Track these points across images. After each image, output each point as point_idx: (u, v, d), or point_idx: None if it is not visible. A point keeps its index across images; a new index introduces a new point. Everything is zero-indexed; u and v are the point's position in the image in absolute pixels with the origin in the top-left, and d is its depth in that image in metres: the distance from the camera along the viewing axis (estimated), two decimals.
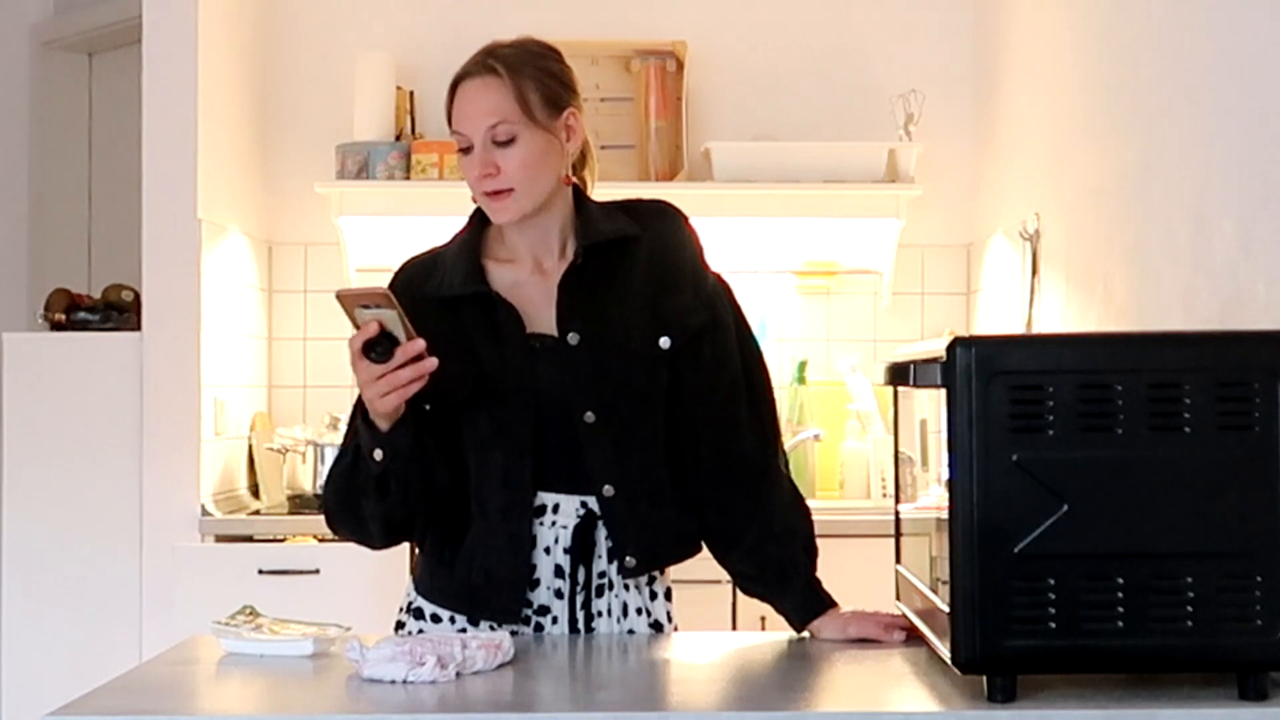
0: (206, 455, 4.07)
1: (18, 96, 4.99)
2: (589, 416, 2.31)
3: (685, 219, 2.45)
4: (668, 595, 2.44)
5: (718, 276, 2.45)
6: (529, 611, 2.34)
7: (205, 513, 4.01)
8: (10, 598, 4.06)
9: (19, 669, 4.04)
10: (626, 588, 2.37)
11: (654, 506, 2.36)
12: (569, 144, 2.36)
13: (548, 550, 2.34)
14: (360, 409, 2.26)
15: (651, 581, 2.41)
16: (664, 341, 2.35)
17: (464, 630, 2.35)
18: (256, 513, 4.23)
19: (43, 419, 4.08)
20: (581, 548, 2.34)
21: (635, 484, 2.34)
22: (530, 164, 2.30)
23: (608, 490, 2.32)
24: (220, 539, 4.01)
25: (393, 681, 1.96)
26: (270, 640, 2.15)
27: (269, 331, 4.64)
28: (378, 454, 2.23)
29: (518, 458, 2.31)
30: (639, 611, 2.38)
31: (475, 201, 2.38)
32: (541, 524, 2.33)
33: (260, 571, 3.89)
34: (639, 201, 2.46)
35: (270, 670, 2.08)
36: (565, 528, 2.33)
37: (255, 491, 4.40)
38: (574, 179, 2.40)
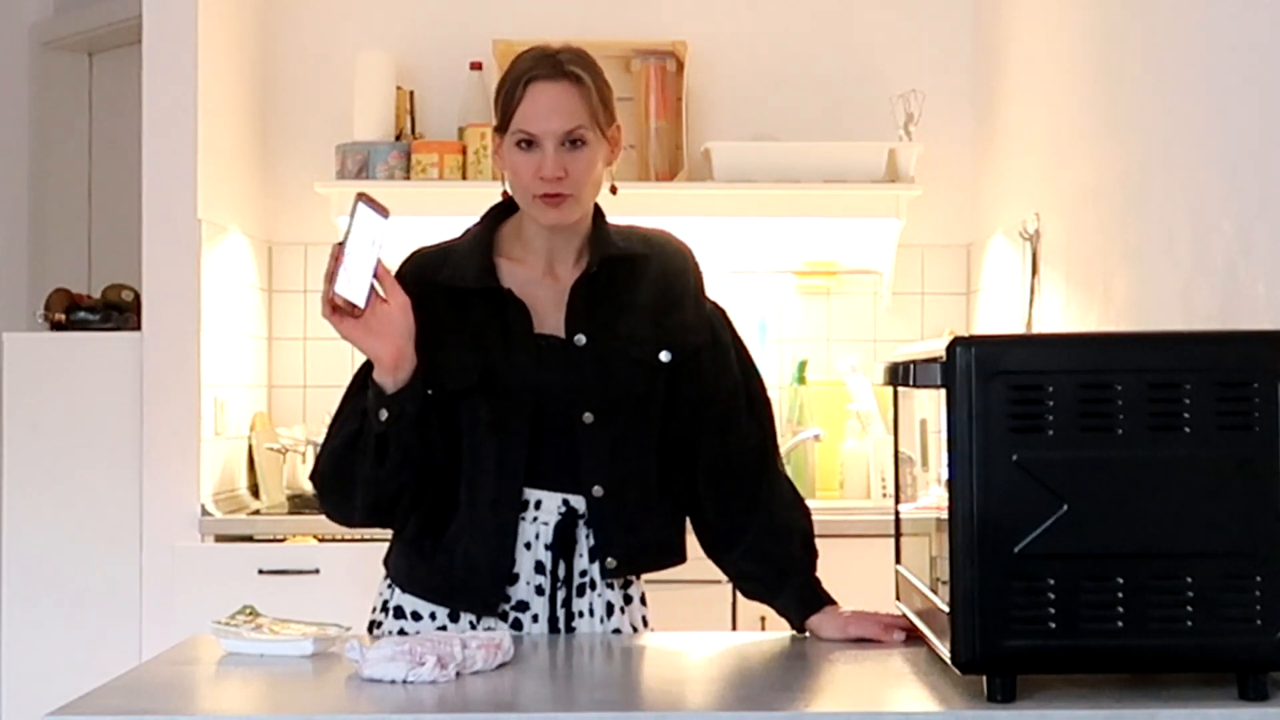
0: (206, 455, 4.06)
1: (18, 96, 4.99)
2: (588, 417, 2.35)
3: (691, 253, 2.53)
4: (642, 600, 2.48)
5: (715, 305, 2.53)
6: (508, 607, 2.37)
7: (205, 513, 4.01)
8: (10, 598, 4.06)
9: (19, 669, 4.03)
10: (610, 586, 2.40)
11: (640, 511, 2.39)
12: (613, 153, 2.44)
13: (528, 546, 2.37)
14: (366, 375, 2.30)
15: (627, 585, 2.44)
16: (664, 355, 2.40)
17: (444, 628, 2.37)
18: (256, 513, 4.23)
19: (43, 419, 4.07)
20: (563, 546, 2.36)
21: (625, 487, 2.38)
22: (591, 170, 2.37)
23: (597, 491, 2.36)
24: (220, 539, 4.00)
25: (393, 681, 1.96)
26: (270, 640, 2.15)
27: (269, 331, 4.64)
28: (383, 414, 2.26)
29: (513, 450, 2.35)
30: (621, 612, 2.42)
31: (515, 199, 2.41)
32: (524, 519, 2.36)
33: (260, 571, 3.89)
34: (652, 230, 2.53)
35: (270, 670, 2.08)
36: (546, 524, 2.36)
37: (255, 491, 4.40)
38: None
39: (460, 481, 2.36)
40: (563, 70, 2.35)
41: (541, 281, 2.41)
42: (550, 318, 2.40)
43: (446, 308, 2.34)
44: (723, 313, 2.52)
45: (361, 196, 2.20)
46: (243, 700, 2.03)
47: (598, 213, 2.47)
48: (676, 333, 2.42)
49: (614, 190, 2.47)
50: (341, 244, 2.17)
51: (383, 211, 2.21)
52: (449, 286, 2.37)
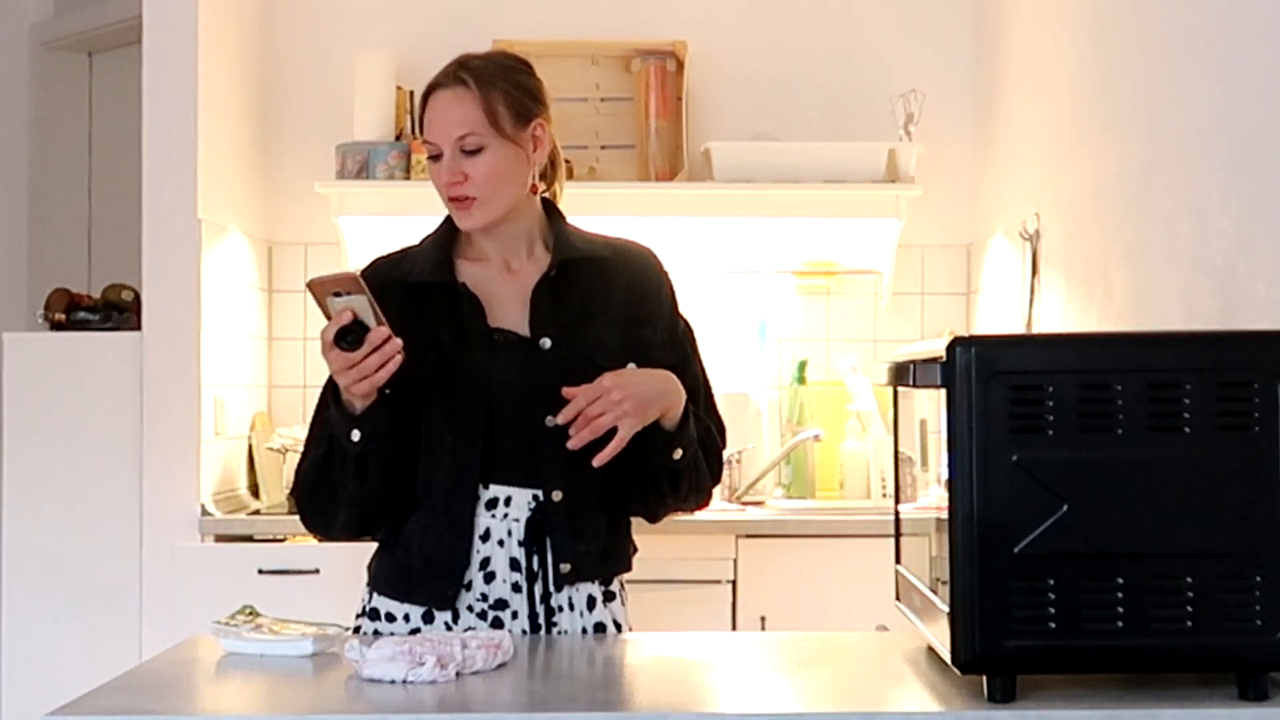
0: (206, 455, 4.06)
1: (18, 96, 4.99)
2: (550, 420, 2.36)
3: (663, 267, 2.55)
4: (621, 595, 2.49)
5: (687, 323, 2.56)
6: (485, 606, 2.37)
7: (205, 513, 4.01)
8: (10, 598, 4.06)
9: (19, 669, 4.03)
10: (591, 580, 2.42)
11: (591, 519, 2.41)
12: (535, 153, 2.45)
13: (501, 543, 2.38)
14: (331, 396, 2.33)
15: (607, 581, 2.45)
16: (631, 366, 2.41)
17: (416, 630, 2.37)
18: (256, 513, 4.23)
19: (43, 419, 4.07)
20: (537, 542, 2.37)
21: (582, 493, 2.40)
22: (496, 174, 2.39)
23: (556, 495, 2.38)
24: (220, 539, 4.00)
25: (392, 681, 1.96)
26: (270, 640, 2.15)
27: (269, 331, 4.64)
28: (355, 434, 2.30)
29: (466, 443, 2.37)
30: (604, 604, 2.43)
31: (445, 207, 2.46)
32: (494, 516, 2.38)
33: (260, 571, 3.89)
34: (617, 238, 2.55)
35: (270, 670, 2.08)
36: (518, 520, 2.38)
37: (255, 491, 4.40)
38: (541, 188, 2.49)
39: (418, 476, 2.39)
40: (454, 78, 2.41)
41: (499, 278, 2.46)
42: (508, 313, 2.43)
43: (402, 305, 2.38)
44: (691, 333, 2.55)
45: (317, 286, 2.25)
46: (243, 700, 2.04)
47: (553, 210, 2.51)
48: (645, 348, 2.44)
49: (534, 190, 2.47)
50: (377, 327, 2.24)
51: (347, 281, 2.26)
52: (406, 283, 2.42)
